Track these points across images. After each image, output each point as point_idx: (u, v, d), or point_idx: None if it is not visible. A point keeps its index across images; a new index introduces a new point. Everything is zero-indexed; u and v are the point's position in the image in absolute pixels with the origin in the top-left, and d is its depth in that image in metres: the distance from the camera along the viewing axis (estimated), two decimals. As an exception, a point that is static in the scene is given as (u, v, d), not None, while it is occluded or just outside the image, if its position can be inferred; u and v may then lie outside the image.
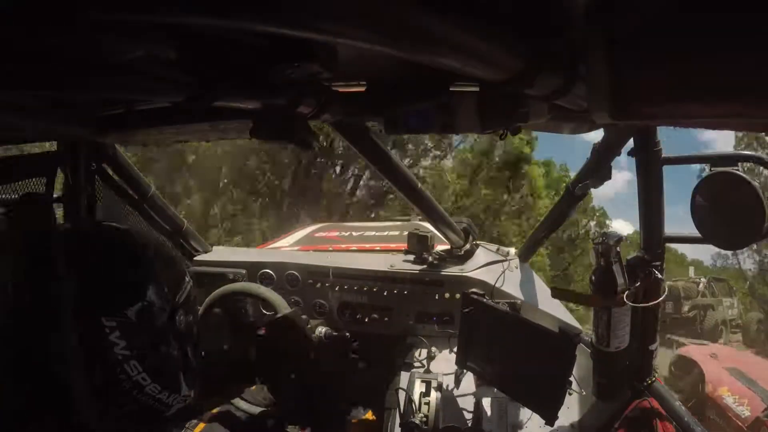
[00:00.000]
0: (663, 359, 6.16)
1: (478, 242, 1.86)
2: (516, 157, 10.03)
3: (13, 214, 0.72)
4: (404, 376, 1.70)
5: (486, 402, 1.62)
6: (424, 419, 1.52)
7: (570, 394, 1.37)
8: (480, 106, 0.86)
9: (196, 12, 0.39)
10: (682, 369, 4.69)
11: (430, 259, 1.80)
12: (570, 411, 1.56)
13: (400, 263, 1.83)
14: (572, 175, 1.53)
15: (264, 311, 1.88)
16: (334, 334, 1.72)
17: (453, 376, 1.69)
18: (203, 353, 1.48)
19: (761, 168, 1.17)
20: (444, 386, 1.67)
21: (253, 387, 1.61)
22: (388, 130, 0.96)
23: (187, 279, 0.83)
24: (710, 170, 1.11)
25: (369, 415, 1.46)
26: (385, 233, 2.70)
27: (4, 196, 1.35)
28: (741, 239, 1.14)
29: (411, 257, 1.84)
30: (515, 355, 1.47)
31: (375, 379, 1.78)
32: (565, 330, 1.34)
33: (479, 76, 0.61)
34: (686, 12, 0.49)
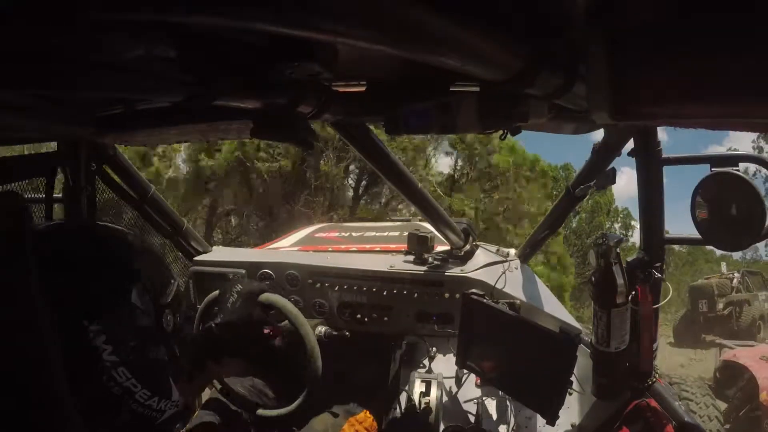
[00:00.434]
0: (710, 364, 5.89)
1: (477, 243, 1.86)
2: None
3: None
4: (404, 376, 1.71)
5: (487, 402, 1.62)
6: (425, 419, 1.52)
7: (570, 394, 1.37)
8: (480, 106, 0.86)
9: (197, 11, 0.40)
10: (729, 376, 4.44)
11: (430, 259, 1.80)
12: (570, 411, 1.56)
13: (400, 263, 1.83)
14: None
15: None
16: (334, 333, 1.72)
17: (453, 376, 1.69)
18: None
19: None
20: (444, 386, 1.67)
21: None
22: (388, 130, 0.96)
23: (173, 280, 0.81)
24: (711, 171, 1.11)
25: (366, 414, 1.46)
26: (385, 234, 2.70)
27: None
28: (741, 240, 1.14)
29: (411, 258, 1.84)
30: (516, 355, 1.47)
31: (375, 378, 1.78)
32: (565, 330, 1.34)
33: (479, 75, 0.61)
34: (686, 12, 0.49)
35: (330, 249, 2.33)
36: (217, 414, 1.43)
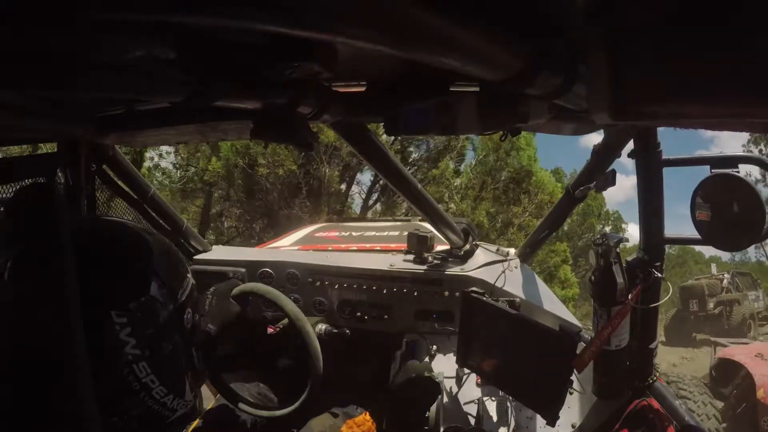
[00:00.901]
0: (702, 362, 5.90)
1: (477, 243, 1.86)
2: (522, 172, 10.07)
3: (17, 204, 0.68)
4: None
5: (487, 401, 1.63)
6: (425, 419, 1.52)
7: (570, 393, 1.37)
8: (480, 107, 0.86)
9: (197, 12, 0.40)
10: (725, 373, 4.42)
11: (430, 258, 1.81)
12: (570, 410, 1.56)
13: (400, 262, 1.83)
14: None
15: (264, 310, 1.88)
16: (334, 331, 1.73)
17: (454, 375, 1.69)
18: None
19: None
20: (445, 385, 1.67)
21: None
22: (388, 131, 0.96)
23: (189, 276, 0.81)
24: (711, 172, 1.11)
25: (365, 417, 1.46)
26: (385, 233, 2.70)
27: (3, 197, 1.35)
28: (741, 241, 1.14)
29: (411, 257, 1.84)
30: (516, 353, 1.47)
31: (375, 377, 1.78)
32: (565, 328, 1.34)
33: (479, 75, 0.61)
34: (686, 12, 0.49)
35: (330, 248, 2.33)
36: (223, 421, 1.43)
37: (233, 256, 2.02)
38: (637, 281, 1.25)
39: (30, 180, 1.40)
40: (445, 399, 1.65)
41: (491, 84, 0.65)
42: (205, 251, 2.06)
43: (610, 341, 1.27)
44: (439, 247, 1.85)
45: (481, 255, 1.82)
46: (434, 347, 1.79)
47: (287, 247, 2.49)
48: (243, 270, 1.94)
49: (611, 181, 1.33)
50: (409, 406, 1.46)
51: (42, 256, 0.63)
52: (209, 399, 1.78)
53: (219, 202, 9.93)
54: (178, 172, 9.91)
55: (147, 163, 8.80)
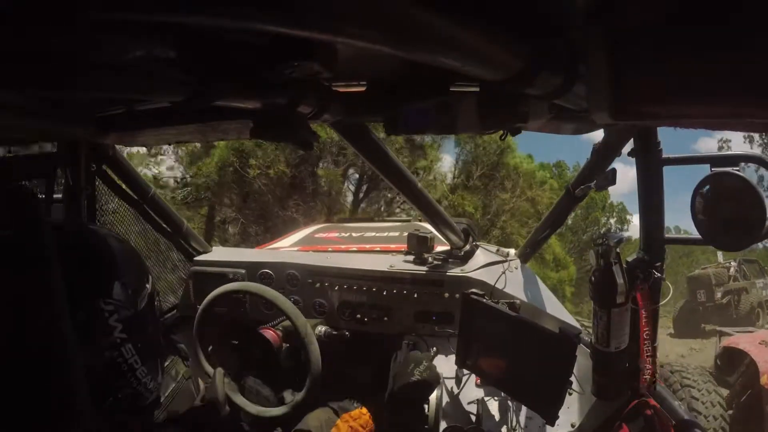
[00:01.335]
0: (711, 352, 5.91)
1: (478, 243, 1.86)
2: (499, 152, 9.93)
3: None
4: None
5: (487, 402, 1.62)
6: (425, 419, 1.52)
7: (570, 394, 1.37)
8: (480, 106, 0.86)
9: (197, 12, 0.40)
10: (730, 362, 4.40)
11: (430, 259, 1.81)
12: (570, 411, 1.56)
13: (400, 263, 1.83)
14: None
15: (264, 310, 1.88)
16: (334, 333, 1.73)
17: (454, 377, 1.69)
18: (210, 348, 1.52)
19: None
20: (445, 386, 1.67)
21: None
22: (388, 130, 0.96)
23: (149, 271, 0.89)
24: (711, 170, 1.11)
25: (361, 411, 1.46)
26: (385, 234, 2.70)
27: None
28: (741, 240, 1.14)
29: (411, 258, 1.84)
30: (515, 355, 1.47)
31: (375, 378, 1.78)
32: (565, 330, 1.34)
33: (479, 75, 0.61)
34: (686, 12, 0.49)
35: (330, 249, 2.33)
36: (207, 419, 1.43)
37: (233, 257, 2.02)
38: (638, 282, 1.25)
39: (30, 180, 1.41)
40: (445, 399, 1.65)
41: (491, 84, 0.65)
42: (205, 252, 2.06)
43: (610, 343, 1.27)
44: (439, 248, 1.85)
45: (482, 256, 1.82)
46: (434, 348, 1.79)
47: (287, 248, 2.49)
48: (243, 271, 1.94)
49: (611, 180, 1.33)
50: (409, 396, 1.46)
51: (27, 249, 0.67)
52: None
53: (219, 210, 9.94)
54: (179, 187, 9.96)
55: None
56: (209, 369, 1.65)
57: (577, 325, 1.69)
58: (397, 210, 9.57)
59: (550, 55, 0.64)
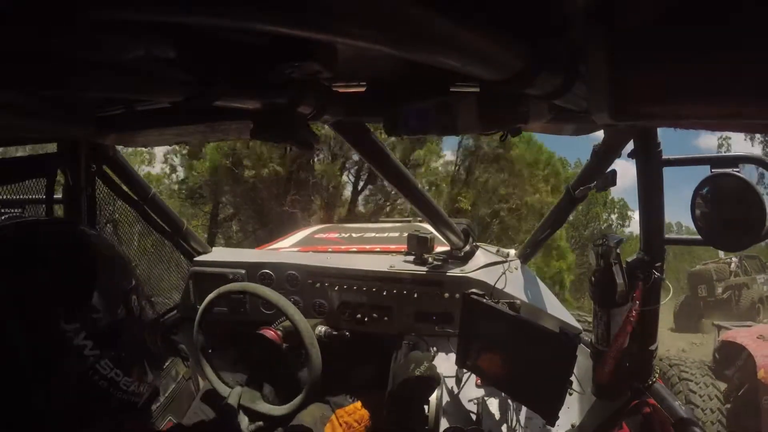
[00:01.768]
0: (709, 348, 5.98)
1: (477, 243, 1.86)
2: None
3: None
4: None
5: (487, 402, 1.62)
6: (425, 419, 1.52)
7: (570, 394, 1.37)
8: (480, 107, 0.86)
9: (197, 12, 0.40)
10: (728, 355, 4.49)
11: (430, 259, 1.81)
12: (570, 411, 1.56)
13: (400, 264, 1.83)
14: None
15: (264, 310, 1.88)
16: (334, 333, 1.73)
17: (454, 376, 1.69)
18: (210, 350, 1.51)
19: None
20: (445, 386, 1.67)
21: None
22: (388, 131, 0.96)
23: (130, 263, 0.83)
24: (711, 171, 1.11)
25: (355, 407, 1.46)
26: (385, 235, 2.70)
27: (4, 198, 1.35)
28: (741, 241, 1.14)
29: (411, 258, 1.84)
30: (515, 355, 1.47)
31: (374, 378, 1.78)
32: (565, 330, 1.35)
33: (479, 75, 0.61)
34: (686, 12, 0.49)
35: (330, 249, 2.33)
36: (213, 407, 1.44)
37: (233, 258, 2.02)
38: (638, 282, 1.25)
39: (29, 181, 1.40)
40: (445, 399, 1.65)
41: (491, 84, 0.65)
42: (205, 253, 2.06)
43: (609, 343, 1.27)
44: (439, 248, 1.85)
45: (482, 256, 1.82)
46: (434, 348, 1.79)
47: (287, 248, 2.49)
48: (243, 271, 1.94)
49: (611, 181, 1.33)
50: (409, 396, 1.46)
51: None
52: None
53: (222, 208, 9.93)
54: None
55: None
56: (222, 388, 1.64)
57: (577, 325, 1.69)
58: (399, 201, 9.47)
59: (550, 55, 0.64)
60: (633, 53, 0.55)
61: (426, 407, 1.53)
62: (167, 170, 10.57)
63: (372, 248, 2.30)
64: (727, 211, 1.09)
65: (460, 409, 1.63)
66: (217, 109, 0.85)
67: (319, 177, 9.02)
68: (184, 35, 0.62)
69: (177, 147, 9.65)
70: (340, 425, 1.42)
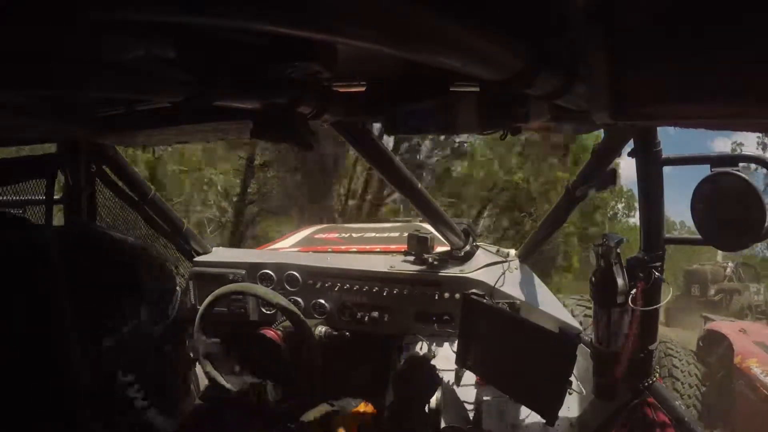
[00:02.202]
0: (693, 335, 6.25)
1: (477, 243, 1.86)
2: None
3: None
4: None
5: (486, 402, 1.62)
6: (425, 419, 1.52)
7: (570, 394, 1.36)
8: (480, 106, 0.86)
9: (197, 12, 0.40)
10: (711, 343, 4.83)
11: (430, 260, 1.80)
12: (570, 411, 1.56)
13: (400, 264, 1.83)
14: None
15: (264, 311, 1.88)
16: (334, 333, 1.72)
17: (453, 376, 1.69)
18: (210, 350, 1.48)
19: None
20: (445, 386, 1.67)
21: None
22: (388, 131, 0.96)
23: (177, 288, 0.77)
24: (711, 171, 1.11)
25: (364, 407, 1.46)
26: (385, 235, 2.71)
27: (5, 198, 1.35)
28: (741, 240, 1.14)
29: (411, 258, 1.84)
30: (515, 355, 1.47)
31: (374, 378, 1.78)
32: (565, 330, 1.35)
33: (479, 75, 0.61)
34: (686, 12, 0.49)
35: (330, 250, 2.33)
36: (214, 403, 1.44)
37: (233, 258, 2.02)
38: (637, 282, 1.25)
39: (30, 181, 1.40)
40: (445, 399, 1.65)
41: (491, 84, 0.65)
42: (205, 253, 2.05)
43: (610, 343, 1.27)
44: (440, 248, 1.85)
45: (482, 256, 1.82)
46: (434, 349, 1.79)
47: (287, 248, 2.49)
48: (243, 272, 1.94)
49: (612, 180, 1.33)
50: (410, 395, 1.46)
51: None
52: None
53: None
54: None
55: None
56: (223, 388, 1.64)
57: (577, 325, 1.69)
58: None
59: (550, 56, 0.64)
60: (633, 53, 0.55)
61: (426, 407, 1.53)
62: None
63: (372, 248, 2.30)
64: (727, 211, 1.09)
65: (459, 409, 1.63)
66: (217, 109, 0.85)
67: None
68: (185, 35, 0.62)
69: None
70: (341, 425, 1.42)
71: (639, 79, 0.56)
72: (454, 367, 1.66)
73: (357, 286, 1.83)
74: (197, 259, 2.01)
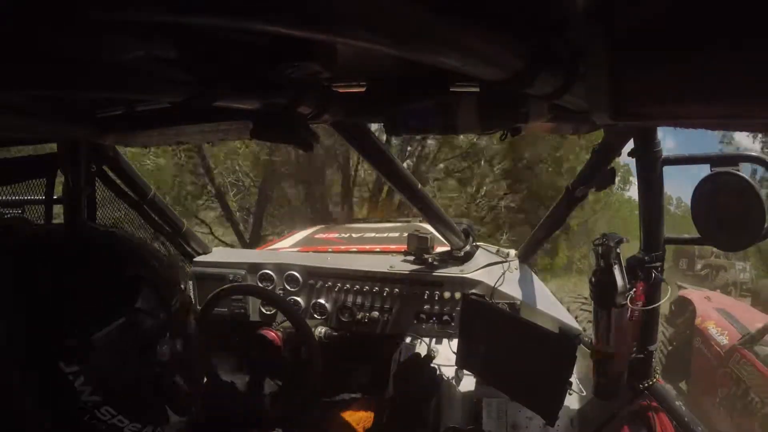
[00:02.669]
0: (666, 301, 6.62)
1: (477, 243, 1.86)
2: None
3: None
4: None
5: (486, 402, 1.62)
6: (425, 419, 1.52)
7: (570, 394, 1.37)
8: (480, 107, 0.86)
9: (197, 12, 0.39)
10: (679, 308, 5.39)
11: (430, 260, 1.81)
12: (570, 411, 1.56)
13: (400, 264, 1.83)
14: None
15: (264, 311, 1.88)
16: (334, 334, 1.73)
17: (454, 377, 1.69)
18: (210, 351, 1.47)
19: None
20: (445, 386, 1.67)
21: None
22: (388, 131, 0.96)
23: (176, 289, 0.71)
24: (711, 170, 1.11)
25: (358, 406, 1.46)
26: (385, 235, 2.71)
27: (4, 198, 1.35)
28: (741, 240, 1.14)
29: (411, 258, 1.84)
30: (515, 355, 1.47)
31: (375, 379, 1.78)
32: (565, 331, 1.35)
33: (479, 75, 0.61)
34: (686, 12, 0.49)
35: (330, 250, 2.33)
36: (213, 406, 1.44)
37: (233, 258, 2.02)
38: (637, 282, 1.25)
39: (29, 181, 1.40)
40: (445, 399, 1.65)
41: (491, 84, 0.65)
42: (205, 253, 2.06)
43: (610, 343, 1.27)
44: (440, 249, 1.85)
45: (482, 256, 1.82)
46: (434, 348, 1.79)
47: (287, 248, 2.50)
48: (243, 272, 1.94)
49: (610, 180, 1.33)
50: (410, 395, 1.46)
51: None
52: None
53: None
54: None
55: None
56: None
57: (577, 325, 1.69)
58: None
59: (550, 55, 0.64)
60: (633, 53, 0.54)
61: (426, 407, 1.53)
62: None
63: (372, 248, 2.30)
64: (728, 210, 1.09)
65: (459, 409, 1.63)
66: (217, 109, 0.85)
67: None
68: (184, 35, 0.62)
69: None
70: (341, 426, 1.42)
71: (639, 79, 0.56)
72: (454, 367, 1.66)
73: (357, 286, 1.83)
74: (197, 259, 2.01)
